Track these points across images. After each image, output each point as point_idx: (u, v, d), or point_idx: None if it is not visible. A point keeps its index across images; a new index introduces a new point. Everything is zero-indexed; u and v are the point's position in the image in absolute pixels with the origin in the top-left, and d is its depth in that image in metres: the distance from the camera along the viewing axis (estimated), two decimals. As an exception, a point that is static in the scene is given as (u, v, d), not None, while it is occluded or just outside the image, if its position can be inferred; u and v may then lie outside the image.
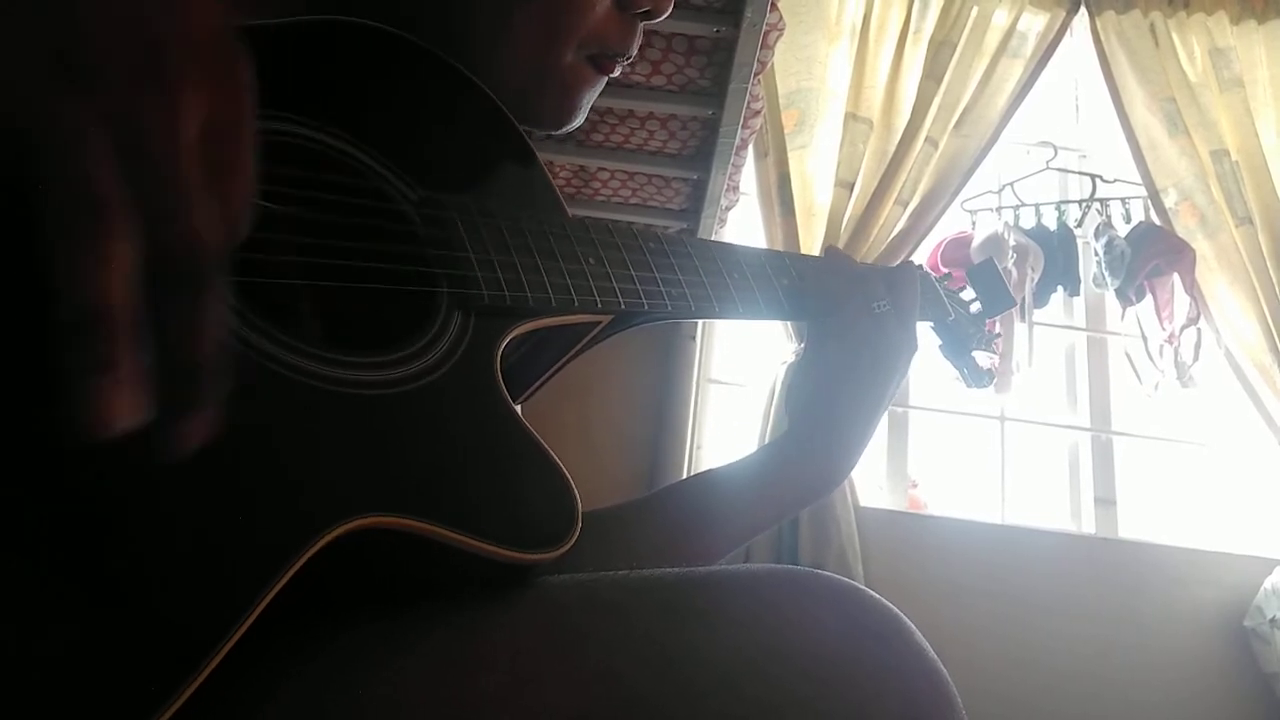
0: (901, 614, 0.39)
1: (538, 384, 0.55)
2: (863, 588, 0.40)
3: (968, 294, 0.81)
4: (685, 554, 0.58)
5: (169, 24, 0.27)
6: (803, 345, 0.66)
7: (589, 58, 0.59)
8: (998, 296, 0.79)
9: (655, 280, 0.55)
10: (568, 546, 0.39)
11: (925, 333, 0.75)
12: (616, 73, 0.61)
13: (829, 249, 0.71)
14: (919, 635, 0.39)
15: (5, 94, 0.25)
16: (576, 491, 0.41)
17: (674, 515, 0.60)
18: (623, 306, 0.52)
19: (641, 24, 0.60)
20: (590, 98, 0.61)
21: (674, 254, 0.57)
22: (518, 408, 0.51)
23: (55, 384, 0.25)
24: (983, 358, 0.79)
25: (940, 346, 0.80)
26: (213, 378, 0.27)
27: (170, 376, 0.26)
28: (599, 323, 0.53)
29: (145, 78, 0.27)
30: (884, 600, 0.40)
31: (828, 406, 0.62)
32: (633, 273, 0.54)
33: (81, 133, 0.25)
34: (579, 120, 0.61)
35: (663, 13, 0.59)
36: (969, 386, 0.79)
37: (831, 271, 0.66)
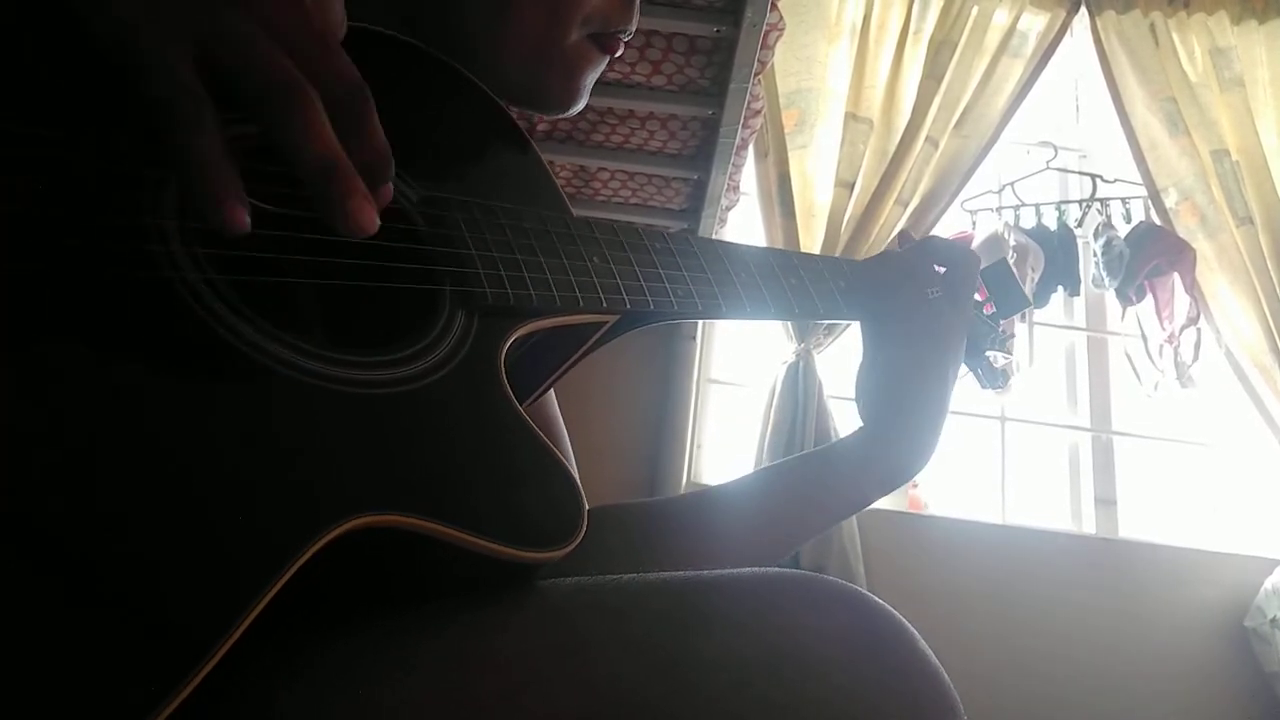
0: (904, 619, 0.39)
1: (545, 385, 0.55)
2: (866, 592, 0.40)
3: (981, 294, 0.80)
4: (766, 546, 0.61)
5: None
6: (860, 348, 0.67)
7: (591, 36, 0.59)
8: (1012, 297, 0.78)
9: (661, 278, 0.54)
10: (573, 545, 0.39)
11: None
12: (619, 52, 0.61)
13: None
14: (921, 640, 0.39)
15: (193, 13, 0.34)
16: (582, 490, 0.41)
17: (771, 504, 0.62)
18: (628, 306, 0.51)
19: None
20: (593, 79, 0.61)
21: (680, 253, 0.57)
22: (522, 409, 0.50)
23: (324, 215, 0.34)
24: (997, 358, 0.78)
25: None
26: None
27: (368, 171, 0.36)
28: (604, 323, 0.52)
29: None
30: (886, 605, 0.40)
31: (899, 404, 0.63)
32: (638, 270, 0.53)
33: (255, 35, 0.34)
34: (582, 102, 0.62)
35: None
36: (983, 388, 0.78)
37: (878, 267, 0.67)
